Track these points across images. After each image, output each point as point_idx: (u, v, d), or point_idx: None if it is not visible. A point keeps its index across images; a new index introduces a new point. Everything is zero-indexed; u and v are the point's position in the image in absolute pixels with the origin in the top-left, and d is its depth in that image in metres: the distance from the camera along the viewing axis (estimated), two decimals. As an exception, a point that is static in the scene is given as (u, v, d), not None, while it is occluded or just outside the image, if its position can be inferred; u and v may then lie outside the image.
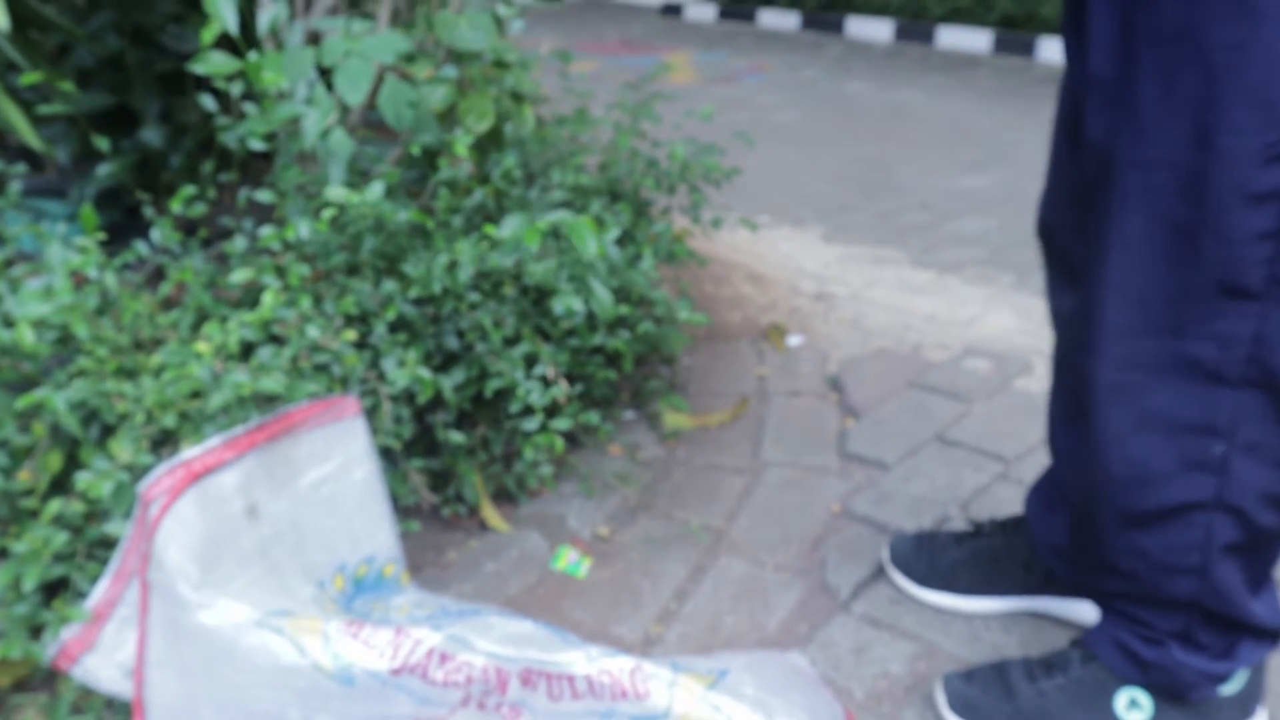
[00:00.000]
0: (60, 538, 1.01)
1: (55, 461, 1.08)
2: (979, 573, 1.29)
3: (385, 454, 1.31)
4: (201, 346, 1.12)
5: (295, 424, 1.08)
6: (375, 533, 1.17)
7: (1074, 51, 0.98)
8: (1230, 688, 1.06)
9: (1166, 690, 1.05)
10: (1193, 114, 0.81)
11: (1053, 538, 1.21)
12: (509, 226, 1.34)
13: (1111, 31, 0.87)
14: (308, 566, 1.08)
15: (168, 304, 1.30)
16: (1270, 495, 0.93)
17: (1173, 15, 0.81)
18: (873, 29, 6.42)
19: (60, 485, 1.11)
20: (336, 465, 1.12)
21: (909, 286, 2.46)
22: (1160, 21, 0.82)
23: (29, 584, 0.99)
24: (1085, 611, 1.27)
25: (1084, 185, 0.96)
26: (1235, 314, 0.86)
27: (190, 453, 1.00)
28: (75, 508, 1.04)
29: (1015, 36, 5.82)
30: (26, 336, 1.07)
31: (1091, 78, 0.90)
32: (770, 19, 7.01)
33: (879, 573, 1.39)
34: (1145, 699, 1.06)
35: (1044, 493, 1.24)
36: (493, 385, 1.33)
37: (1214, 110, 0.80)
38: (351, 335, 1.20)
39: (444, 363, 1.40)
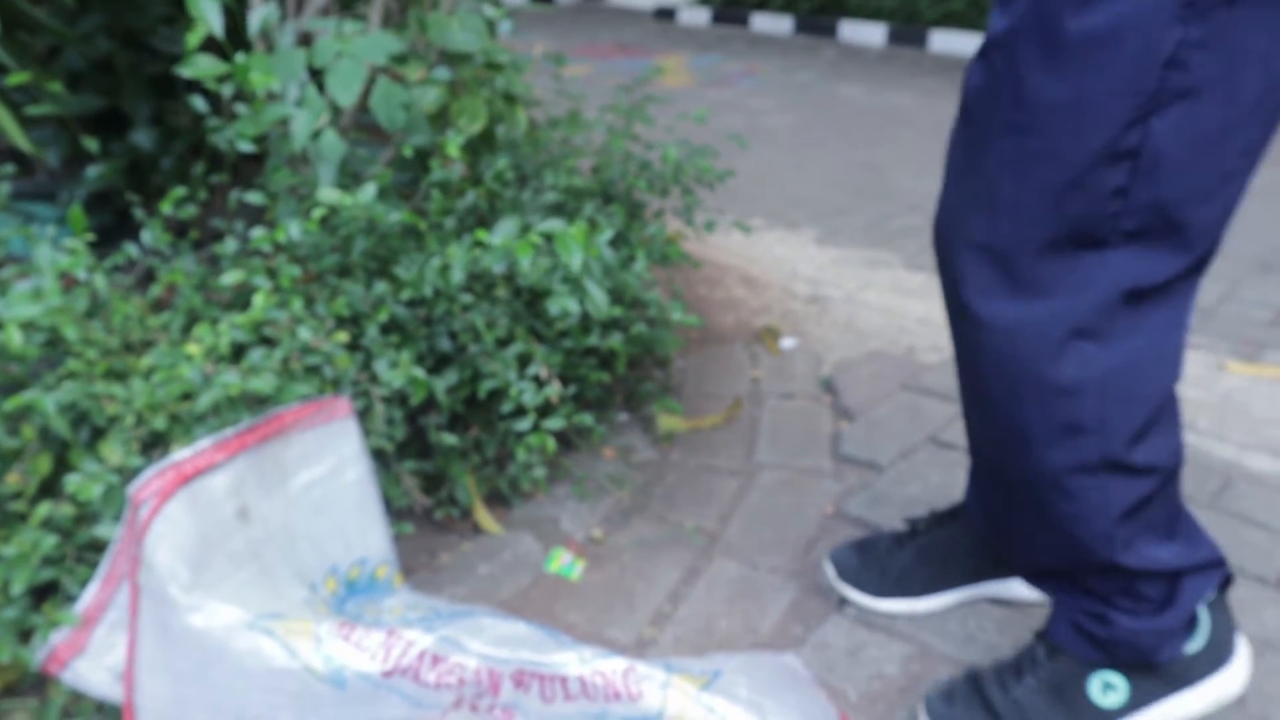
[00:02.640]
0: (49, 541, 1.00)
1: (44, 464, 1.08)
2: (930, 570, 1.29)
3: (378, 456, 1.30)
4: (192, 348, 1.11)
5: (286, 426, 1.07)
6: (368, 534, 1.16)
7: None
8: (1196, 643, 1.08)
9: (1134, 664, 1.07)
10: (1076, 78, 0.83)
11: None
12: (501, 233, 1.33)
13: None
14: (299, 569, 1.08)
15: (158, 306, 1.30)
16: (1139, 435, 0.96)
17: None
18: (866, 33, 6.44)
19: (50, 488, 1.10)
20: (328, 467, 1.12)
21: (902, 289, 2.46)
22: None
23: (18, 587, 0.98)
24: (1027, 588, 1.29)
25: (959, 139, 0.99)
26: (1089, 263, 0.90)
27: (180, 455, 0.99)
28: (65, 511, 1.03)
29: (1007, 40, 5.82)
30: (15, 338, 1.06)
31: (988, 37, 0.91)
32: (764, 23, 7.02)
33: (873, 574, 1.39)
34: (1117, 679, 1.08)
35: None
36: (486, 386, 1.33)
37: (1099, 74, 0.82)
38: (343, 337, 1.20)
39: (436, 364, 1.40)
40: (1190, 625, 1.08)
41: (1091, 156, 0.84)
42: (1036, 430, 0.96)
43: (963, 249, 0.94)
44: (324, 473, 1.12)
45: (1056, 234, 0.89)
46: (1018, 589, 1.30)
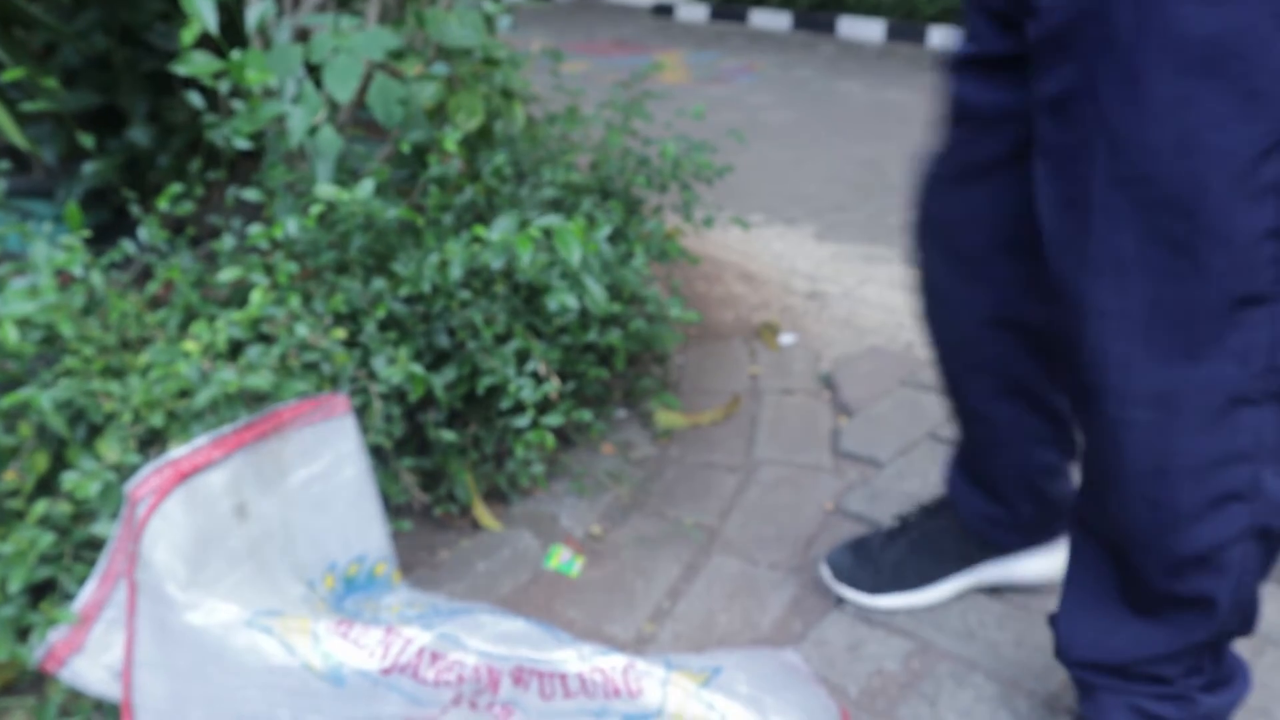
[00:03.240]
0: (47, 539, 1.00)
1: (41, 462, 1.07)
2: (924, 562, 1.29)
3: (376, 453, 1.30)
4: (189, 345, 1.11)
5: (284, 423, 1.07)
6: (366, 531, 1.16)
7: (977, 30, 0.96)
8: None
9: None
10: (1171, 116, 0.75)
11: (982, 508, 1.24)
12: (499, 229, 1.33)
13: (1050, 41, 0.81)
14: (297, 566, 1.07)
15: (155, 303, 1.29)
16: None
17: (1127, 14, 0.75)
18: (864, 29, 6.43)
19: (47, 486, 1.10)
20: (326, 464, 1.11)
21: (901, 285, 2.46)
22: (1114, 22, 0.75)
23: (15, 586, 0.98)
24: (1027, 567, 1.29)
25: (1001, 179, 0.94)
26: (1249, 324, 0.80)
27: (178, 452, 0.99)
28: (62, 508, 1.03)
29: (1006, 36, 5.82)
30: (11, 336, 1.06)
31: (1038, 95, 0.84)
32: (762, 19, 7.01)
33: (873, 570, 1.38)
34: None
35: (964, 468, 1.26)
36: (484, 382, 1.33)
37: (1195, 108, 0.74)
38: (341, 334, 1.19)
39: (435, 361, 1.39)
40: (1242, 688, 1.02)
41: (1218, 198, 0.76)
42: (1186, 507, 0.87)
43: (1093, 320, 0.85)
44: (322, 470, 1.11)
45: (1204, 291, 0.79)
46: (1015, 571, 1.29)
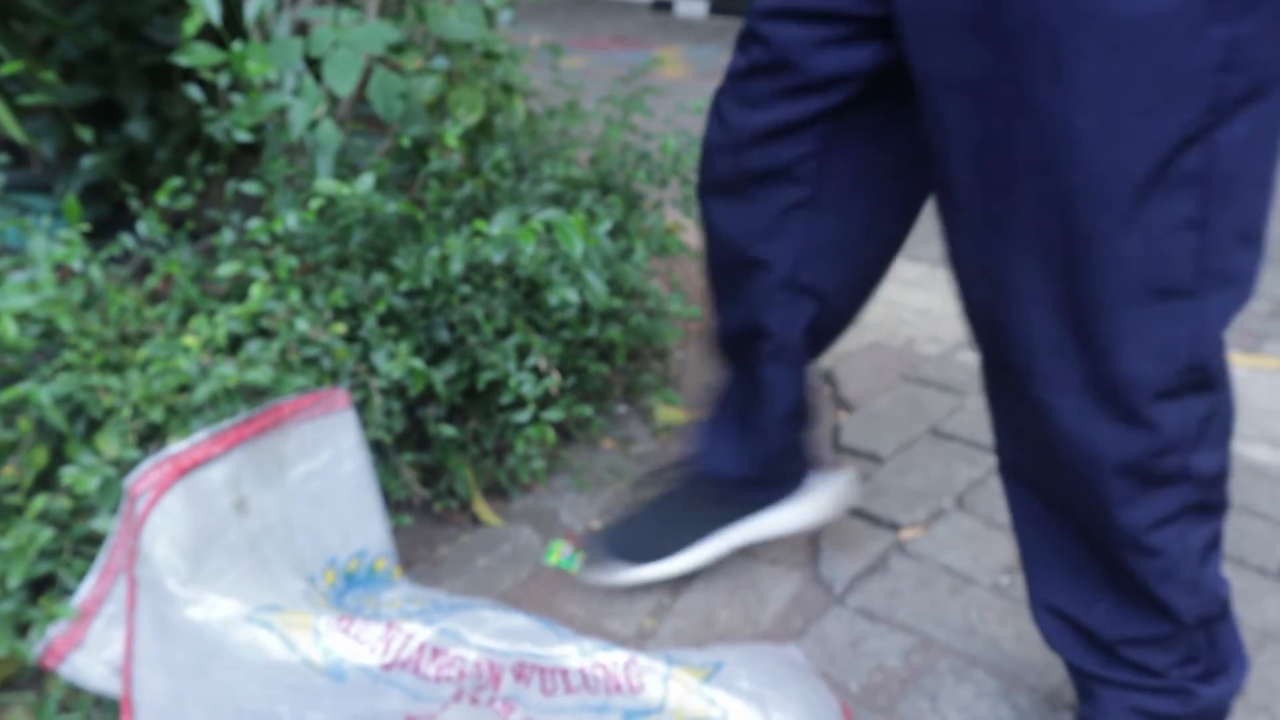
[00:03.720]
0: (46, 534, 0.99)
1: (40, 457, 1.07)
2: (682, 527, 1.29)
3: (376, 448, 1.30)
4: (189, 340, 1.10)
5: (284, 418, 1.07)
6: (366, 527, 1.16)
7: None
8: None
9: None
10: (1099, 100, 0.73)
11: (732, 467, 1.26)
12: (500, 223, 1.32)
13: (959, 21, 0.78)
14: (298, 561, 1.07)
15: (154, 297, 1.29)
16: (1221, 474, 0.90)
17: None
18: (863, 24, 6.40)
19: (46, 481, 1.09)
20: (326, 459, 1.11)
21: (901, 280, 2.46)
22: (1041, 4, 0.73)
23: (14, 581, 0.98)
24: (779, 519, 1.32)
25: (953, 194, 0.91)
26: (1169, 318, 0.79)
27: (177, 447, 0.98)
28: (61, 504, 1.02)
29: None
30: (9, 330, 1.05)
31: (947, 80, 0.81)
32: (761, 14, 6.98)
33: (874, 566, 1.38)
34: None
35: (717, 427, 1.28)
36: (485, 377, 1.32)
37: (1123, 93, 0.72)
38: (341, 328, 1.19)
39: (435, 356, 1.39)
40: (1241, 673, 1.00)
41: (1139, 186, 0.74)
42: (1118, 491, 0.88)
43: (1022, 303, 0.84)
44: (322, 465, 1.11)
45: (1123, 280, 0.78)
46: (768, 526, 1.31)
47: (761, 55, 1.00)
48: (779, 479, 1.31)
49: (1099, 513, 0.90)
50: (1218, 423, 0.87)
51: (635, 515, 1.33)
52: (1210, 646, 0.98)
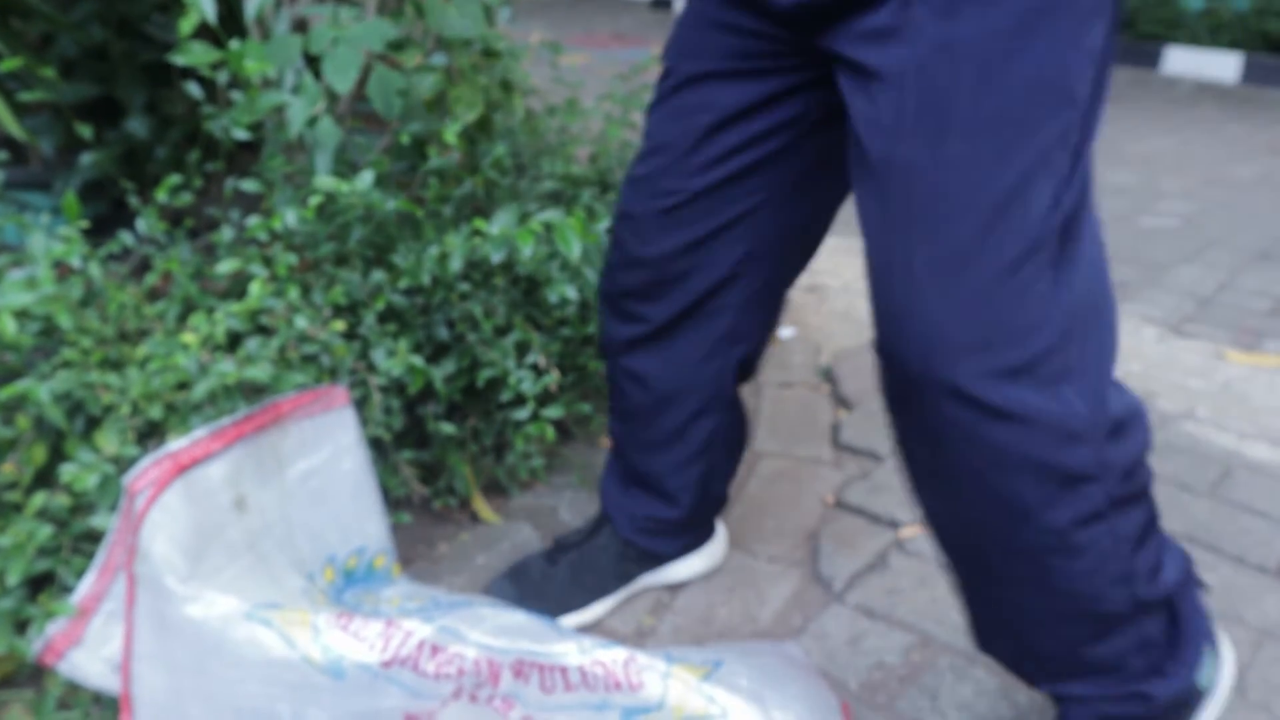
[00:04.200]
0: (45, 531, 0.99)
1: (39, 454, 1.07)
2: (588, 580, 1.28)
3: (375, 445, 1.30)
4: (188, 337, 1.10)
5: (283, 415, 1.07)
6: (365, 524, 1.16)
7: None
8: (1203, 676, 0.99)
9: None
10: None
11: (639, 513, 1.26)
12: (499, 223, 1.32)
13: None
14: (297, 559, 1.07)
15: (153, 295, 1.29)
16: (1138, 461, 0.88)
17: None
18: (863, 22, 6.40)
19: (45, 478, 1.09)
20: (325, 456, 1.11)
21: (901, 278, 2.45)
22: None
23: (13, 578, 0.97)
24: (683, 569, 1.32)
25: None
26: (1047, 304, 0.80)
27: (177, 444, 0.98)
28: (60, 501, 1.02)
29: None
30: (9, 327, 1.05)
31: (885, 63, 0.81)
32: (760, 12, 6.98)
33: (874, 564, 1.38)
34: None
35: (617, 478, 1.28)
36: (484, 375, 1.32)
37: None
38: (340, 326, 1.19)
39: (434, 353, 1.39)
40: (1197, 659, 0.98)
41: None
42: (1031, 497, 0.85)
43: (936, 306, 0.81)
44: (321, 462, 1.11)
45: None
46: (672, 574, 1.32)
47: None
48: (691, 525, 1.30)
49: (1019, 527, 0.87)
50: (1138, 411, 0.87)
51: (542, 568, 1.28)
52: (1172, 629, 0.95)
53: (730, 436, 1.24)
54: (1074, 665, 0.95)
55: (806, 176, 1.04)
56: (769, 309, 1.17)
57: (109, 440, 1.04)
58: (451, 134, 1.40)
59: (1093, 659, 0.94)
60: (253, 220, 1.26)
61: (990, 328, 0.80)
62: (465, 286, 1.34)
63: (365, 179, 1.28)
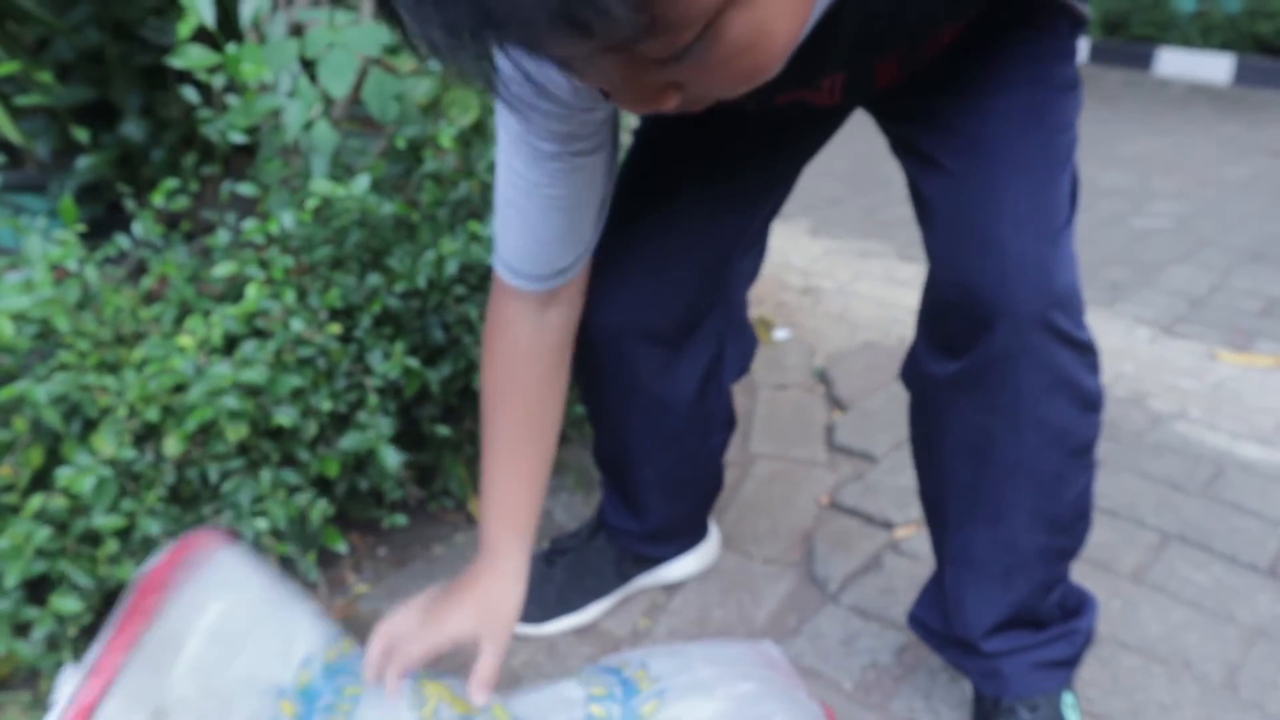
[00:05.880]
0: (42, 533, 1.00)
1: (36, 456, 1.07)
2: (586, 582, 1.29)
3: (371, 453, 1.29)
4: (184, 340, 1.11)
5: (155, 604, 0.91)
6: (300, 633, 1.00)
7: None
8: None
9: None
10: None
11: (630, 524, 1.27)
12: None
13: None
14: (249, 713, 0.93)
15: (150, 298, 1.29)
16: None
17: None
18: (857, 24, 6.41)
19: (42, 480, 1.09)
20: (223, 607, 0.95)
21: (895, 280, 2.47)
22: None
23: (11, 580, 0.98)
24: (677, 569, 1.33)
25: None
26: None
27: (68, 689, 0.85)
28: (58, 503, 1.03)
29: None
30: (5, 330, 1.05)
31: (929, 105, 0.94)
32: (755, 15, 6.98)
33: (868, 564, 1.39)
34: (1069, 695, 1.07)
35: (620, 498, 1.28)
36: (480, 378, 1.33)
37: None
38: (336, 329, 1.19)
39: (430, 356, 1.39)
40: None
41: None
42: (1068, 419, 0.94)
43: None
44: (220, 616, 0.95)
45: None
46: (667, 575, 1.34)
47: None
48: (685, 532, 1.33)
49: (1051, 448, 0.94)
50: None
51: (541, 571, 1.28)
52: (1069, 586, 1.06)
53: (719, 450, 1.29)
54: (1035, 610, 1.02)
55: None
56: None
57: (106, 443, 1.04)
58: (447, 137, 1.40)
59: (1049, 602, 1.02)
60: (249, 223, 1.26)
61: (1067, 262, 0.90)
62: (461, 289, 1.34)
63: (361, 183, 1.28)
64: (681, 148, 1.05)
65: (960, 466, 0.99)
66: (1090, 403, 0.95)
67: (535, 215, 0.90)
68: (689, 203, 1.06)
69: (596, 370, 1.12)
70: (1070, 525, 1.00)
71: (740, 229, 1.09)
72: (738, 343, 1.22)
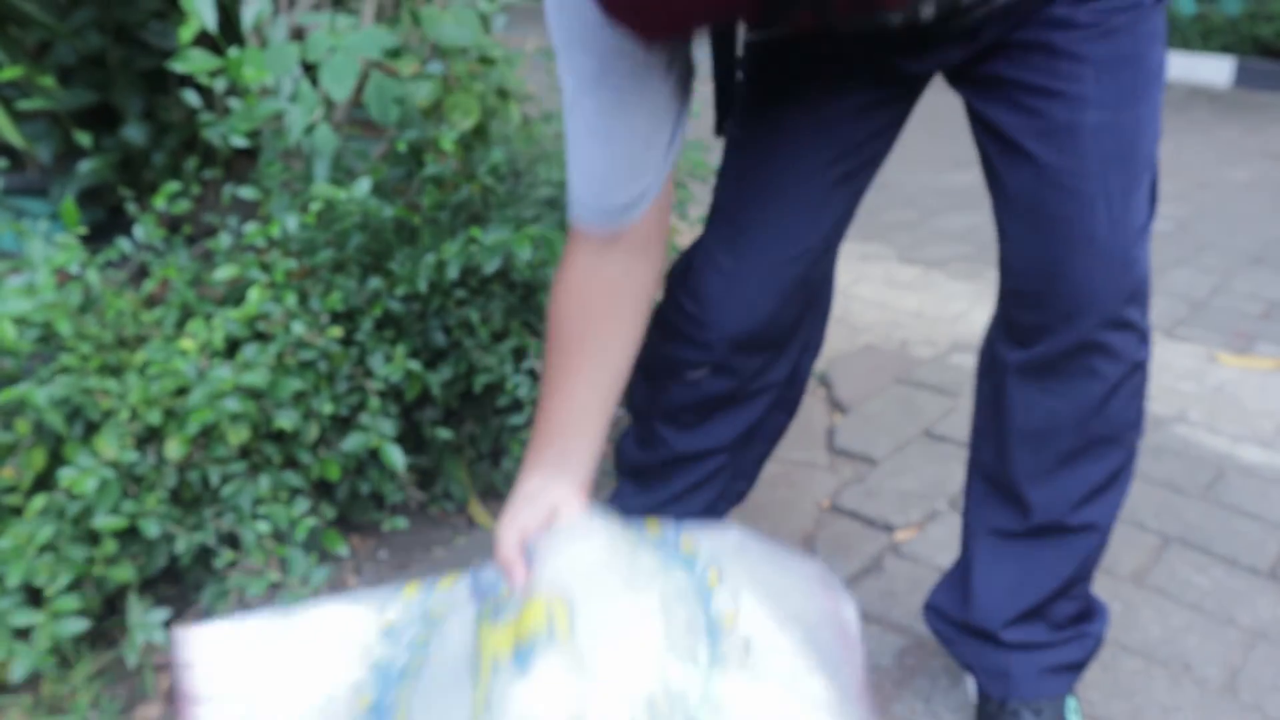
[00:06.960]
0: (45, 532, 1.00)
1: (39, 458, 1.07)
2: None
3: (372, 456, 1.29)
4: (186, 343, 1.11)
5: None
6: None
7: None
8: None
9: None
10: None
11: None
12: (494, 235, 1.33)
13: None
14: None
15: (152, 301, 1.29)
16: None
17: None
18: (858, 28, 6.41)
19: (44, 483, 1.10)
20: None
21: (896, 283, 2.47)
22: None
23: (12, 580, 0.98)
24: None
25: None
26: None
27: None
28: (62, 503, 1.03)
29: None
30: (8, 333, 1.06)
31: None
32: (756, 18, 6.99)
33: (868, 567, 1.39)
34: (1072, 700, 1.09)
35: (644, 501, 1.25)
36: (481, 380, 1.33)
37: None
38: (337, 332, 1.19)
39: (431, 359, 1.39)
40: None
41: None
42: (1133, 410, 1.01)
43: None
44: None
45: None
46: None
47: None
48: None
49: (1127, 432, 1.01)
50: None
51: None
52: (1088, 590, 1.08)
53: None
54: (1055, 604, 1.04)
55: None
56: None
57: (108, 445, 1.05)
58: (448, 141, 1.41)
59: (1071, 597, 1.05)
60: (250, 227, 1.27)
61: (1146, 259, 0.95)
62: (462, 293, 1.34)
63: (362, 186, 1.29)
64: (780, 134, 1.07)
65: (1022, 447, 1.02)
66: (1138, 390, 1.00)
67: (597, 144, 0.90)
68: (795, 196, 1.11)
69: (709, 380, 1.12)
70: (1110, 509, 1.05)
71: (848, 208, 1.16)
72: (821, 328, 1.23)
